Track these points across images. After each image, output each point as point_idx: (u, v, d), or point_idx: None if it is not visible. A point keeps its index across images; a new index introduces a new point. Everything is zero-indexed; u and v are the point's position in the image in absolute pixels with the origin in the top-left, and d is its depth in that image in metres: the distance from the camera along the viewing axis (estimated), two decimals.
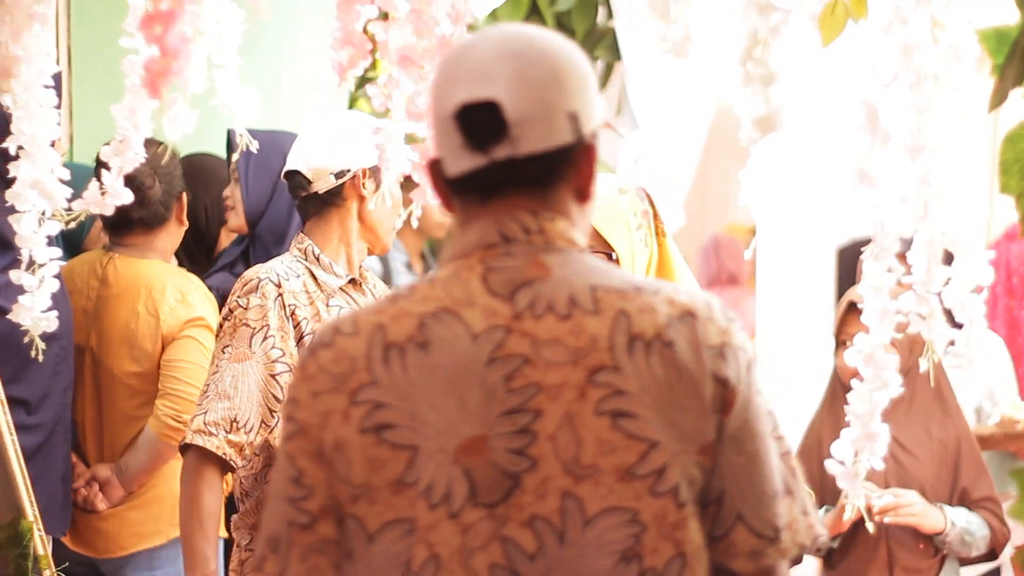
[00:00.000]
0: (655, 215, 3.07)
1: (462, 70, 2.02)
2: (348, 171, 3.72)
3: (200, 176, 4.73)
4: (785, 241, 5.88)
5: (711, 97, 6.40)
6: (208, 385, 3.61)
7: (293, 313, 3.65)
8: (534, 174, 2.05)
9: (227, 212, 4.68)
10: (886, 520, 4.21)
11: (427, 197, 2.75)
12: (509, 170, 2.03)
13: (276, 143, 4.49)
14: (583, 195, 2.10)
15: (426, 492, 2.01)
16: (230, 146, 4.61)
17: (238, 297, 3.65)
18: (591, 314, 2.02)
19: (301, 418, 2.05)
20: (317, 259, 3.72)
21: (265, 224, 4.57)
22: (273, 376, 3.63)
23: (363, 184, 3.74)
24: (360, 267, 3.85)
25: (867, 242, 2.56)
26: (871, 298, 2.58)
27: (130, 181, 4.32)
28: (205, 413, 3.57)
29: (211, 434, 3.55)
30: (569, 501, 1.99)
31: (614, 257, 2.96)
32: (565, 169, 2.06)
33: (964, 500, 4.32)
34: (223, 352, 3.61)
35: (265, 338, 3.61)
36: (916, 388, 4.16)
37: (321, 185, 3.73)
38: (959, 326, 2.57)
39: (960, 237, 2.51)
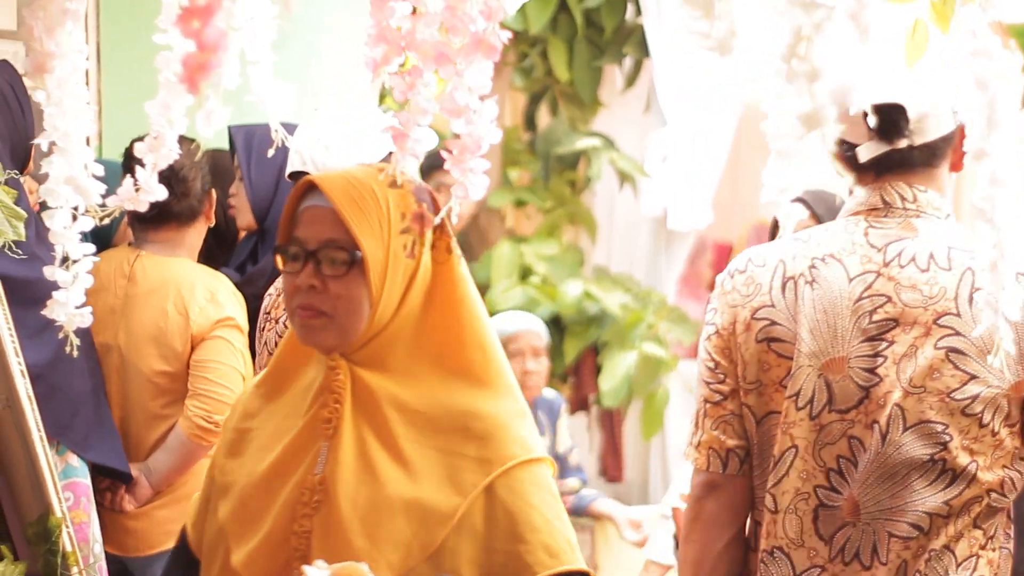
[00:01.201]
0: (442, 228, 2.66)
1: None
2: None
3: (220, 173, 4.71)
4: None
5: (740, 94, 6.39)
6: None
7: None
8: (922, 158, 2.67)
9: (233, 211, 4.67)
10: None
11: (467, 193, 2.73)
12: (904, 155, 2.67)
13: None
14: (957, 165, 2.71)
15: (795, 396, 2.64)
16: (232, 144, 4.61)
17: None
18: (945, 270, 2.60)
19: (718, 322, 2.75)
20: None
21: (272, 219, 4.56)
22: None
23: None
24: None
25: None
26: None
27: (173, 173, 4.33)
28: None
29: None
30: (895, 410, 2.59)
31: (357, 256, 2.55)
32: (946, 152, 2.70)
33: None
34: None
35: None
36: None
37: None
38: None
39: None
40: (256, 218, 4.57)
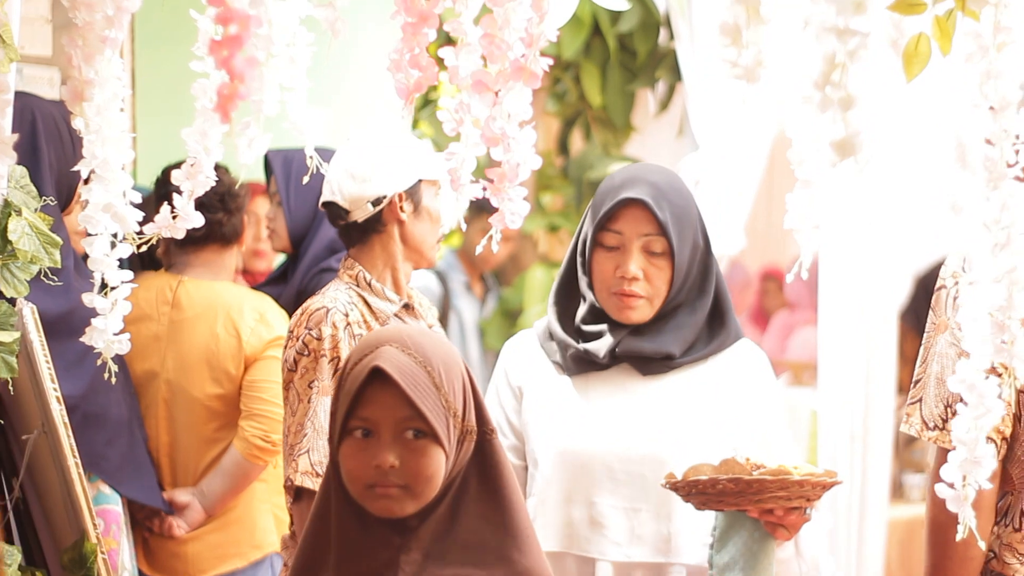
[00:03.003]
0: None
1: None
2: (384, 197, 3.72)
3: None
4: (848, 267, 5.84)
5: (773, 118, 6.38)
6: (304, 422, 3.59)
7: None
8: None
9: (269, 234, 4.70)
10: None
11: (505, 221, 2.71)
12: None
13: None
14: None
15: None
16: (268, 169, 4.63)
17: (309, 329, 3.63)
18: None
19: None
20: (369, 285, 3.72)
21: (307, 244, 4.59)
22: None
23: (401, 207, 3.74)
24: (407, 290, 3.85)
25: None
26: (970, 325, 2.54)
27: (227, 190, 4.35)
28: (309, 452, 3.57)
29: (318, 475, 3.55)
30: None
31: None
32: None
33: None
34: (310, 387, 3.61)
35: (336, 369, 3.60)
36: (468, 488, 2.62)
37: (359, 214, 3.73)
38: None
39: None
40: (292, 243, 4.60)
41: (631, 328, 3.42)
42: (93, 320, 2.70)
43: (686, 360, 3.44)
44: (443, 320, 7.00)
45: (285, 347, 3.70)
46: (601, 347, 3.41)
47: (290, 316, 4.21)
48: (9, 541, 3.26)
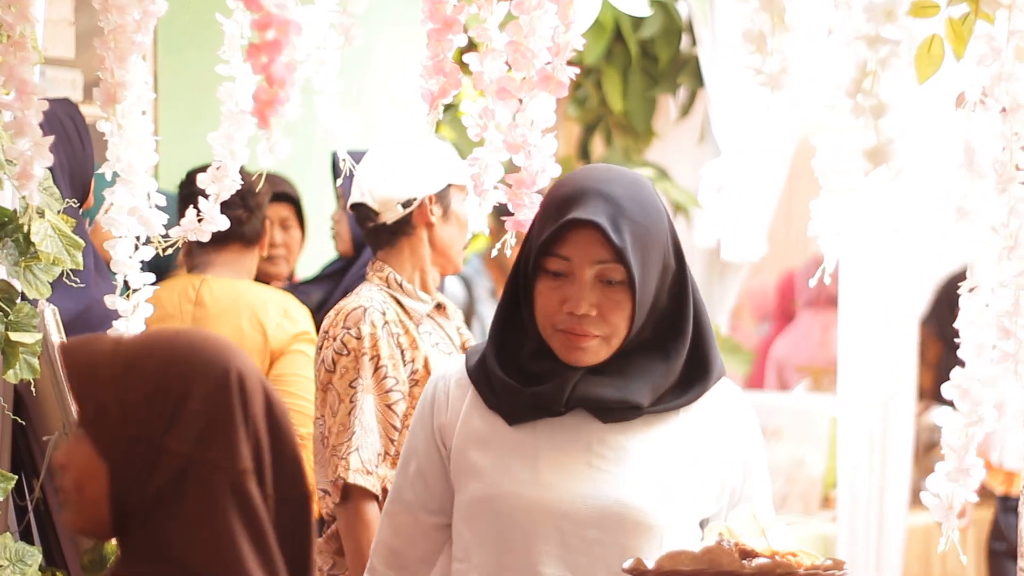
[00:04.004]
0: None
1: None
2: (415, 199, 3.73)
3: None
4: (869, 269, 5.84)
5: (795, 124, 6.37)
6: (350, 420, 3.60)
7: (399, 342, 3.66)
8: None
9: (334, 236, 4.73)
10: None
11: (522, 227, 2.71)
12: None
13: None
14: None
15: None
16: (335, 170, 4.64)
17: (347, 329, 3.64)
18: None
19: None
20: (400, 286, 3.73)
21: (365, 247, 4.60)
22: (389, 406, 3.63)
23: (431, 211, 3.75)
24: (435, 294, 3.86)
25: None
26: (967, 332, 2.53)
27: (246, 187, 4.36)
28: (359, 450, 3.58)
29: (370, 472, 3.56)
30: None
31: None
32: None
33: None
34: (352, 387, 3.62)
35: (377, 368, 3.62)
36: None
37: (389, 216, 3.74)
38: None
39: None
40: (354, 245, 4.62)
41: (589, 367, 2.74)
42: (115, 323, 2.71)
43: (656, 409, 2.77)
44: (467, 325, 7.01)
45: (320, 347, 3.71)
46: (555, 394, 2.73)
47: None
48: (30, 542, 3.27)
